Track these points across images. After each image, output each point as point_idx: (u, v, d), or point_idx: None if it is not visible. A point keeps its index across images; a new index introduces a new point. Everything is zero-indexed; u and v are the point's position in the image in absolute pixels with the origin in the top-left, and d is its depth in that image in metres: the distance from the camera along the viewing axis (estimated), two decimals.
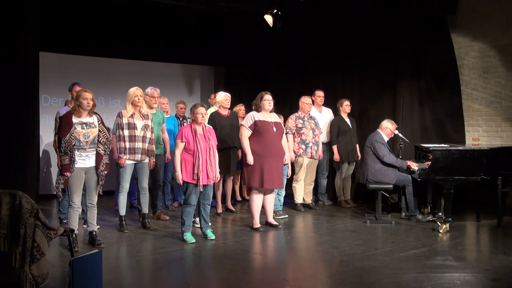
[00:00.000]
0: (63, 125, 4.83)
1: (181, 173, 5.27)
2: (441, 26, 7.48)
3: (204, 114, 5.41)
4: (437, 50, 7.54)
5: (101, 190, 5.05)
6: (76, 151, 4.82)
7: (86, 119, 4.90)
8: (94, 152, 4.95)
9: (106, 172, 5.04)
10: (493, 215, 6.10)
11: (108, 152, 5.07)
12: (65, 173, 4.78)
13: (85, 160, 4.91)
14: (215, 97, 7.33)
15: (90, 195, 5.03)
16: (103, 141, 4.98)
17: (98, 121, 4.98)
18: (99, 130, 4.95)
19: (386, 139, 6.50)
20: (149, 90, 6.19)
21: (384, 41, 7.73)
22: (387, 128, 6.54)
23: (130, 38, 8.69)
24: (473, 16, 7.23)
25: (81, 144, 4.85)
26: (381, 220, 6.27)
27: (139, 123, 5.69)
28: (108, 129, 5.24)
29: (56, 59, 8.24)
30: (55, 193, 5.03)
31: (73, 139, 4.78)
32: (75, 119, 4.84)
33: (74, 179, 4.86)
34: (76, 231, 4.97)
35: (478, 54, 7.30)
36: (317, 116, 7.28)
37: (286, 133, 6.69)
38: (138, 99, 5.68)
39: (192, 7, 8.30)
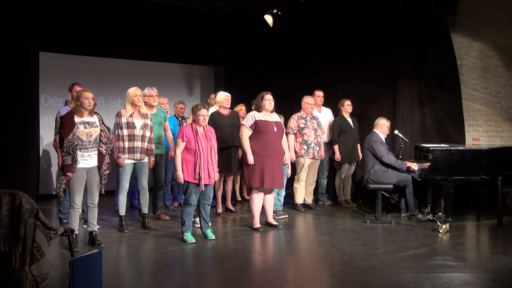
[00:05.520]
0: (65, 125, 4.83)
1: (182, 172, 5.27)
2: (441, 26, 7.48)
3: (206, 116, 5.38)
4: (437, 50, 7.55)
5: (103, 190, 5.06)
6: (79, 151, 4.83)
7: (88, 118, 4.91)
8: (96, 152, 4.96)
9: (108, 171, 5.05)
10: (493, 215, 6.10)
11: (109, 152, 5.09)
12: (67, 173, 4.79)
13: (87, 160, 4.91)
14: (215, 97, 7.34)
15: (92, 195, 5.03)
16: (104, 140, 4.99)
17: (99, 121, 5.00)
18: (100, 130, 4.96)
19: (383, 137, 6.49)
20: (146, 91, 6.17)
21: (384, 41, 7.74)
22: (384, 125, 6.53)
23: (130, 38, 8.68)
24: (473, 16, 7.23)
25: (84, 143, 4.85)
26: (381, 220, 6.27)
27: (138, 122, 5.69)
28: (108, 129, 5.25)
29: (56, 59, 8.23)
30: (56, 193, 5.03)
31: (75, 139, 4.78)
32: (77, 119, 4.85)
33: (76, 179, 4.86)
34: (76, 231, 4.97)
35: (478, 54, 7.30)
36: (317, 116, 7.27)
37: (287, 133, 6.69)
38: (138, 99, 5.69)
39: (192, 7, 8.31)
